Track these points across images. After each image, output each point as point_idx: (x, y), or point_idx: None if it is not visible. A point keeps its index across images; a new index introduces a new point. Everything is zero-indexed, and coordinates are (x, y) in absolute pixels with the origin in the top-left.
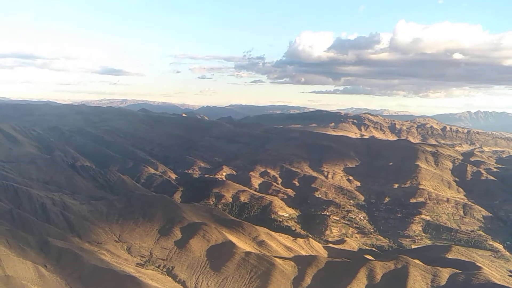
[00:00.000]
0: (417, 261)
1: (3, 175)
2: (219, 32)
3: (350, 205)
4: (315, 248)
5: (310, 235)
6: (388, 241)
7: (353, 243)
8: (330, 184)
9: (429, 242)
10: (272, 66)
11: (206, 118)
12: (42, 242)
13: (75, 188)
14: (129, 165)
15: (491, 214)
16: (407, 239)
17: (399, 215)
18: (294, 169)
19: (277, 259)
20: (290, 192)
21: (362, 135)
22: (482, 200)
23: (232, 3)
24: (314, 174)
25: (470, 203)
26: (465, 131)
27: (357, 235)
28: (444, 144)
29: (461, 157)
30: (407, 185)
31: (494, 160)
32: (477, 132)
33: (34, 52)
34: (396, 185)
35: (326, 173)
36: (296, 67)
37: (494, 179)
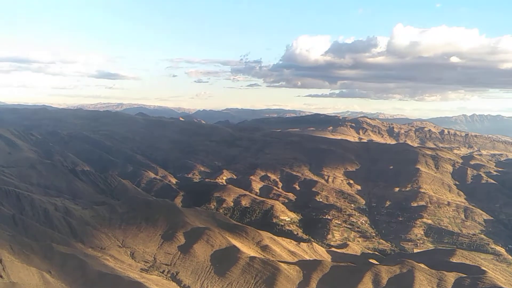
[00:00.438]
0: (422, 265)
1: (4, 180)
2: (216, 36)
3: (351, 209)
4: (319, 252)
5: (312, 239)
6: (390, 245)
7: (355, 247)
8: (330, 188)
9: (431, 246)
10: (268, 70)
11: (203, 122)
12: (46, 248)
13: (76, 193)
14: (129, 170)
15: (492, 218)
16: (409, 243)
17: (400, 219)
18: (294, 173)
19: (282, 264)
20: (291, 196)
21: (360, 138)
22: (483, 203)
23: (229, 7)
24: (315, 178)
25: (471, 206)
26: (463, 134)
27: (359, 239)
28: (442, 147)
29: (461, 161)
30: (407, 189)
31: (494, 164)
32: (475, 136)
33: (30, 57)
34: (396, 189)
35: (326, 177)
36: (293, 71)
37: (495, 182)
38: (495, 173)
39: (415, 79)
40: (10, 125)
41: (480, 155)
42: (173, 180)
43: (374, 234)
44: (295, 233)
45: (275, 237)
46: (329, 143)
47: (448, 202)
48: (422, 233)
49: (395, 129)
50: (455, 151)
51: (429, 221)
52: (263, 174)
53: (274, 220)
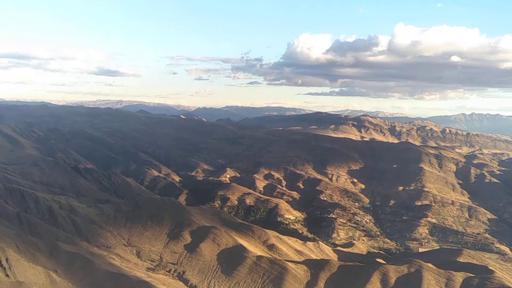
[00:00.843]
0: (430, 265)
1: (7, 177)
2: (218, 34)
3: (355, 208)
4: (325, 251)
5: (318, 238)
6: (395, 244)
7: (361, 246)
8: (334, 186)
9: (436, 245)
10: (269, 68)
11: (204, 120)
12: (52, 247)
13: (79, 191)
14: (132, 167)
15: (496, 217)
16: (414, 242)
17: (405, 218)
18: (298, 172)
19: (289, 263)
20: (295, 194)
21: (362, 137)
22: (486, 202)
23: (231, 4)
24: (319, 176)
25: (474, 205)
26: (464, 133)
27: (364, 238)
28: (444, 146)
29: (464, 160)
30: (411, 188)
31: (497, 163)
32: (476, 135)
33: (29, 53)
34: (400, 188)
35: (330, 176)
36: (294, 69)
37: (498, 181)
38: (498, 172)
39: (415, 78)
40: (11, 122)
41: (482, 154)
42: (177, 178)
43: (378, 233)
44: (300, 232)
45: (281, 236)
46: (332, 142)
47: (452, 201)
48: (427, 232)
49: (396, 128)
50: (457, 150)
51: (434, 220)
52: (266, 172)
53: (279, 219)
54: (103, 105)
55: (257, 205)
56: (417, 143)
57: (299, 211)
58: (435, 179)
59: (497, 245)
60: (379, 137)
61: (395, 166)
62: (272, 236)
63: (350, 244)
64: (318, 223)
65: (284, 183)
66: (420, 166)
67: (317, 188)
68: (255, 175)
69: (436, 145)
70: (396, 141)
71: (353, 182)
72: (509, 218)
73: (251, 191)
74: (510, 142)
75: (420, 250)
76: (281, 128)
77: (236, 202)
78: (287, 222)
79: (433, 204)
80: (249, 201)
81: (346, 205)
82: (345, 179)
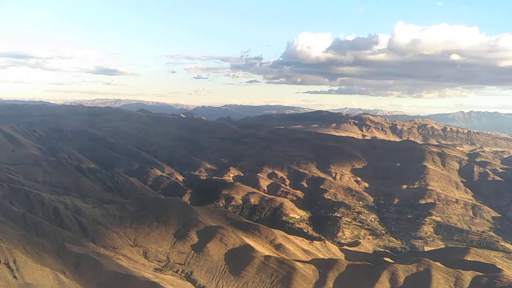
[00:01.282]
0: (438, 264)
1: (10, 178)
2: (218, 33)
3: (360, 207)
4: (332, 251)
5: (323, 237)
6: (400, 243)
7: (367, 245)
8: (338, 185)
9: (441, 243)
10: (269, 67)
11: (204, 118)
12: (59, 248)
13: (83, 191)
14: (135, 167)
15: (500, 215)
16: (419, 240)
17: (409, 216)
18: (301, 170)
19: (297, 263)
20: (299, 193)
21: (364, 135)
22: (490, 200)
23: (231, 3)
24: (322, 175)
25: (478, 203)
26: (465, 131)
27: (369, 237)
28: (445, 144)
29: (466, 158)
30: (415, 186)
31: (499, 161)
32: (477, 133)
33: (27, 52)
34: (404, 186)
35: (334, 174)
36: (293, 67)
37: (501, 179)
38: (501, 170)
39: (414, 76)
40: (11, 121)
41: (484, 152)
42: (180, 178)
43: (383, 232)
44: (306, 231)
45: (288, 236)
46: (335, 140)
47: (456, 199)
48: (432, 230)
49: (398, 126)
50: (459, 148)
51: (438, 219)
52: (270, 171)
53: (284, 218)
54: (101, 104)
55: (261, 204)
56: (419, 141)
57: (303, 210)
58: (439, 178)
59: (502, 243)
60: (380, 135)
61: (398, 164)
62: (279, 235)
63: (356, 243)
64: (323, 222)
65: (287, 182)
66: (423, 165)
67: (321, 187)
68: (258, 174)
69: (438, 143)
70: (397, 139)
71: (356, 181)
72: None
73: (255, 190)
74: (511, 140)
75: (426, 248)
76: (282, 127)
77: (241, 201)
78: (292, 221)
79: (437, 203)
80: (253, 200)
81: (351, 203)
82: (349, 177)
